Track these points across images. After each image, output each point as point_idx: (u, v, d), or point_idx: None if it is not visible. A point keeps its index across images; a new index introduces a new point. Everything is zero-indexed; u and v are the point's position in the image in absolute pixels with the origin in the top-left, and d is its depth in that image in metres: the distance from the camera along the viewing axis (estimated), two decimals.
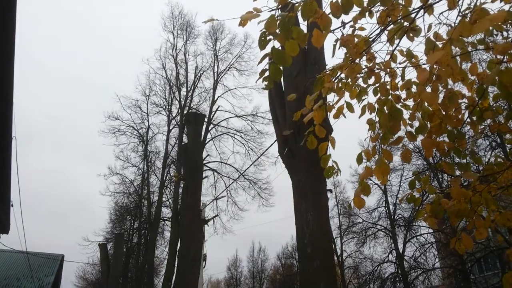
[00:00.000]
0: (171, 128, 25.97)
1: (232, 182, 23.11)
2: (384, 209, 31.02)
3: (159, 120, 25.80)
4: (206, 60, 24.48)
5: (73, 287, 37.76)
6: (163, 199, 25.62)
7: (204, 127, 14.56)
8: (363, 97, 3.16)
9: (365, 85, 3.11)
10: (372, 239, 30.44)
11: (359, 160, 3.12)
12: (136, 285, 26.67)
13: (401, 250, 29.06)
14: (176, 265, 11.54)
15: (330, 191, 6.96)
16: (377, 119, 2.97)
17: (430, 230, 29.13)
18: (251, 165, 22.38)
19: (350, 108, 3.11)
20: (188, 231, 11.33)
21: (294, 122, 7.04)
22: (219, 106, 22.40)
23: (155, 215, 24.84)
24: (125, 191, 26.59)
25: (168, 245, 22.83)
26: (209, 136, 21.43)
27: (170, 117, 25.83)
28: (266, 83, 2.48)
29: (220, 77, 23.42)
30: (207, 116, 21.79)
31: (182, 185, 14.23)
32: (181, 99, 23.82)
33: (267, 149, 18.97)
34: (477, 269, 26.97)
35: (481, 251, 25.59)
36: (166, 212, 26.38)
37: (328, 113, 3.18)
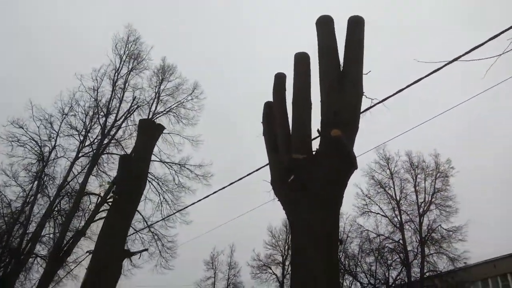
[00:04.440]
0: (79, 155, 23.16)
1: (134, 233, 20.69)
2: None
3: (69, 144, 22.85)
4: (144, 96, 23.01)
5: None
6: (43, 232, 21.82)
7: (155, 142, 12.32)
8: None
9: None
10: None
11: None
12: None
13: None
14: None
15: (341, 242, 5.72)
16: None
17: None
18: (162, 219, 20.41)
19: None
20: (104, 261, 8.85)
21: (307, 146, 5.86)
22: None
23: (28, 248, 20.77)
24: None
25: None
26: None
27: (84, 144, 23.11)
28: None
29: (156, 117, 21.96)
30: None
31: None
32: (106, 127, 21.59)
33: (187, 207, 17.60)
34: None
35: None
36: (40, 248, 22.40)
37: None
